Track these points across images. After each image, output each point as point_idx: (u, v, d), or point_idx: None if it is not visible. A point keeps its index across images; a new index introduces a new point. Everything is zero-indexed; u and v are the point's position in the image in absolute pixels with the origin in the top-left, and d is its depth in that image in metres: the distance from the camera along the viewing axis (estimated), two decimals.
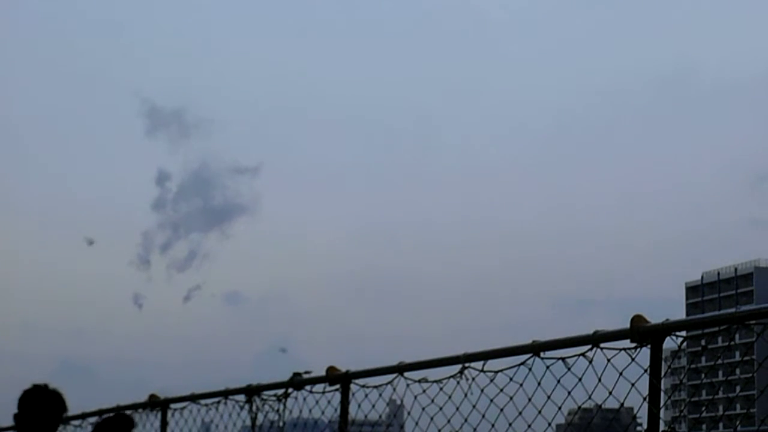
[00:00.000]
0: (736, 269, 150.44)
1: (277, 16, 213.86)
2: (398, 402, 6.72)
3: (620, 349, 5.23)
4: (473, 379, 5.99)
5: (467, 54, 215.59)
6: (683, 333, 5.17)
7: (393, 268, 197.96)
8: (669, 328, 5.12)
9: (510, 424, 5.77)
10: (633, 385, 5.17)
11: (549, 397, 5.57)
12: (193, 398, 8.45)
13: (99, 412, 9.56)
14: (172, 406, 8.78)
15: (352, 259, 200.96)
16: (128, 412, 9.18)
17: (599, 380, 5.30)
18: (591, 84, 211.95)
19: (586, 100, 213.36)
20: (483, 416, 5.93)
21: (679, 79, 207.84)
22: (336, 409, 7.04)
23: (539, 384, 5.62)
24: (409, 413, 6.48)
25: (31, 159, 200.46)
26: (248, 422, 7.73)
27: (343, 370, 6.99)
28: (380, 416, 6.85)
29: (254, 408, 7.69)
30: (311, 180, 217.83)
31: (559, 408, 5.60)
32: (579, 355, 5.41)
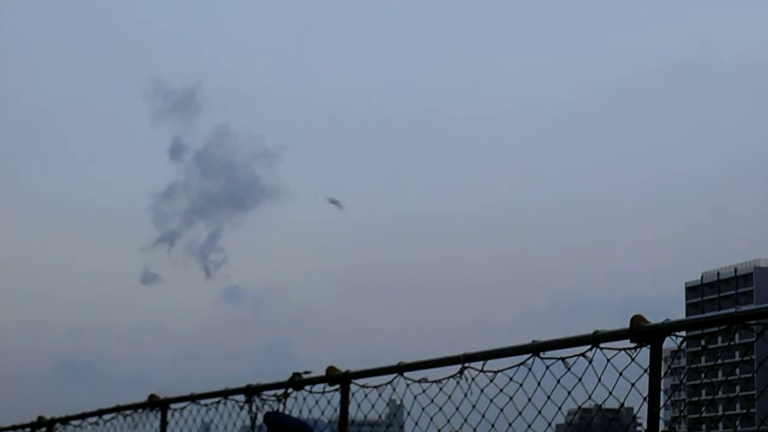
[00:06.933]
0: (735, 269, 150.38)
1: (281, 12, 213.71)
2: (398, 402, 6.72)
3: (620, 349, 5.23)
4: (473, 379, 5.99)
5: (471, 43, 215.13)
6: (683, 333, 5.17)
7: (393, 266, 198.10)
8: (669, 328, 5.13)
9: (510, 424, 5.77)
10: (633, 385, 5.17)
11: (549, 397, 5.57)
12: (193, 398, 8.45)
13: (99, 412, 9.56)
14: (172, 406, 8.78)
15: (352, 257, 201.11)
16: (128, 412, 9.19)
17: (599, 380, 5.30)
18: (593, 76, 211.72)
19: (586, 93, 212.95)
20: (483, 416, 5.92)
21: (681, 67, 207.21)
22: (336, 409, 7.05)
23: (539, 384, 5.62)
24: (408, 413, 6.49)
25: (31, 151, 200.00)
26: (248, 422, 7.74)
27: (343, 370, 6.99)
28: (380, 416, 6.85)
29: (254, 408, 7.69)
30: (312, 176, 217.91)
31: (559, 408, 5.60)
32: (579, 355, 5.41)
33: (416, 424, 6.39)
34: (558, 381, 5.52)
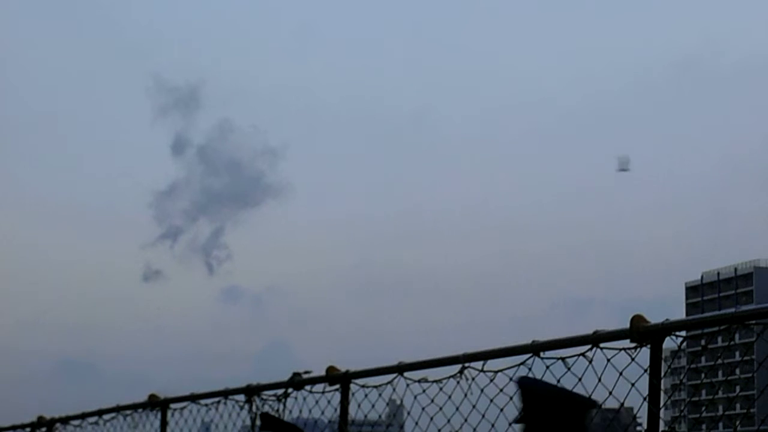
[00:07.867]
0: (736, 269, 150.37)
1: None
2: (398, 402, 6.72)
3: (620, 349, 5.23)
4: (473, 379, 5.99)
5: (471, 41, 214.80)
6: (683, 333, 5.17)
7: (393, 266, 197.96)
8: (669, 328, 5.12)
9: (510, 424, 5.76)
10: (633, 385, 5.17)
11: None
12: (193, 398, 8.45)
13: (99, 412, 9.56)
14: (172, 406, 8.78)
15: (352, 257, 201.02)
16: (128, 412, 9.19)
17: (599, 380, 5.30)
18: (592, 74, 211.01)
19: (586, 91, 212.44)
20: (483, 416, 5.92)
21: (684, 65, 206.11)
22: (336, 409, 7.05)
23: None
24: (408, 413, 6.49)
25: (32, 149, 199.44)
26: (248, 422, 7.73)
27: (343, 370, 6.99)
28: (380, 416, 6.85)
29: (254, 408, 7.69)
30: (312, 175, 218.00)
31: None
32: (579, 355, 5.41)
33: (416, 424, 6.39)
34: (558, 381, 5.52)
